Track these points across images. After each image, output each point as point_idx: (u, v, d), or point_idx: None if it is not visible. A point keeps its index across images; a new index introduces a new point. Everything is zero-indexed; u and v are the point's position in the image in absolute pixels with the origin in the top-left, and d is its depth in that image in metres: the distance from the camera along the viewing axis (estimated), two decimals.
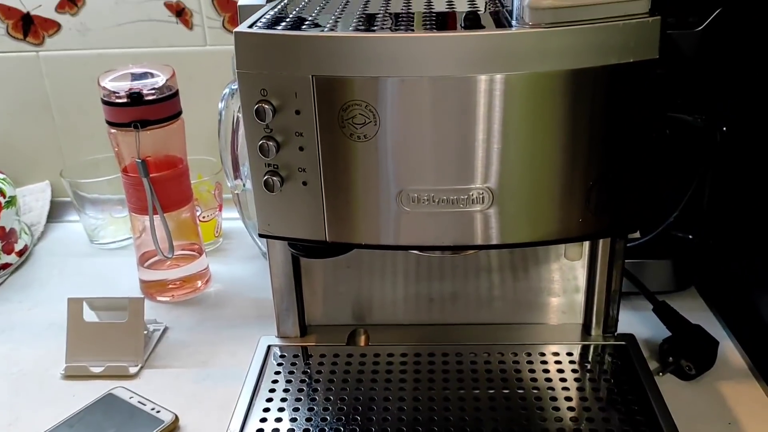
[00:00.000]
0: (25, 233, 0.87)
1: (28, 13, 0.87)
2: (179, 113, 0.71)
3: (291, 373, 0.55)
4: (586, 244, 0.52)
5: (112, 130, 0.70)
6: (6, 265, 0.82)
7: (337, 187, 0.41)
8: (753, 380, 0.60)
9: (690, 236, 0.67)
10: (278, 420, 0.50)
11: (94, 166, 0.90)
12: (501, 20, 0.39)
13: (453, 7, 0.47)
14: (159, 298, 0.76)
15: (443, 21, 0.40)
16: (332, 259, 0.58)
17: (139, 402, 0.59)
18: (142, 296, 0.67)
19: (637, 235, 0.73)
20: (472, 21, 0.38)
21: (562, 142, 0.39)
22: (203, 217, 0.84)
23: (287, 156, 0.41)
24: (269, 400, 0.52)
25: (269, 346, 0.58)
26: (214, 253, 0.86)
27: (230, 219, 0.89)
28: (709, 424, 0.55)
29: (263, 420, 0.50)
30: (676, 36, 0.59)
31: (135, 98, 0.67)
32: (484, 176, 0.39)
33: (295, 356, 0.57)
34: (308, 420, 0.50)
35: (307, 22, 0.42)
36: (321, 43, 0.38)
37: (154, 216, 0.71)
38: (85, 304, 0.67)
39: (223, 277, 0.80)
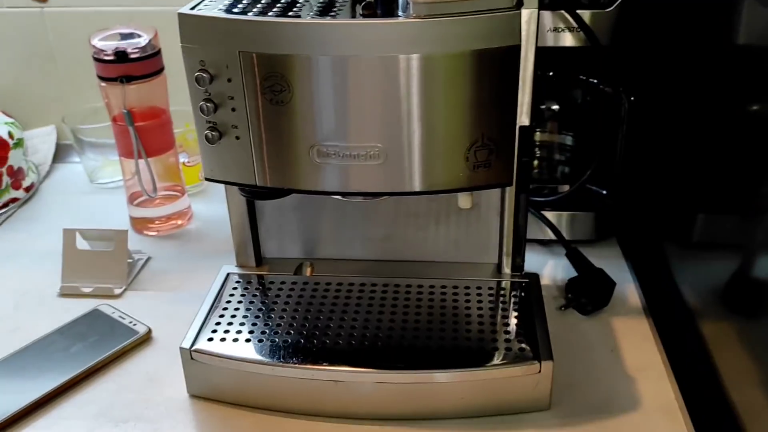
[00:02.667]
0: (32, 172, 0.98)
1: None
2: (161, 69, 0.80)
3: (243, 295, 0.65)
4: (480, 193, 0.62)
5: (102, 84, 0.80)
6: (14, 200, 0.93)
7: (263, 141, 0.50)
8: (643, 317, 0.70)
9: (604, 191, 0.75)
10: (226, 332, 0.61)
11: (94, 113, 1.00)
12: (393, 9, 0.48)
13: None
14: (146, 233, 0.87)
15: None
16: (280, 201, 0.67)
17: (119, 317, 0.70)
18: (126, 229, 0.78)
19: (566, 188, 0.82)
20: (367, 9, 0.47)
21: (441, 111, 0.48)
22: (189, 162, 0.94)
23: (222, 115, 0.50)
24: (221, 315, 0.63)
25: (228, 273, 0.69)
26: (198, 195, 0.96)
27: None
28: (595, 351, 0.65)
29: (214, 331, 0.61)
30: (588, 15, 0.67)
31: (120, 56, 0.76)
32: (378, 137, 0.49)
33: (249, 282, 0.67)
34: (253, 332, 0.60)
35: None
36: (244, 25, 0.47)
37: (140, 160, 0.81)
38: (77, 234, 0.77)
39: (204, 215, 0.91)
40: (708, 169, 0.67)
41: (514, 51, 0.47)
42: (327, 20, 0.46)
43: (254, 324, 0.62)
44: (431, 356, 0.58)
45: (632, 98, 0.71)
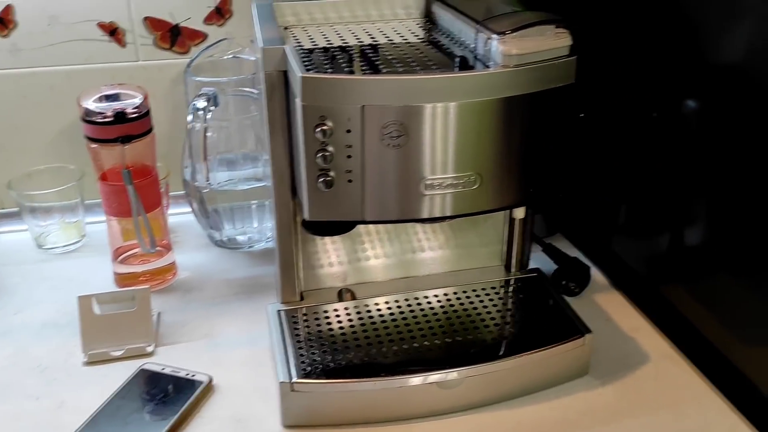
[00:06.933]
0: None
1: None
2: (152, 128, 0.82)
3: (307, 328, 0.71)
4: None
5: (93, 145, 0.79)
6: None
7: (376, 181, 0.57)
8: (614, 291, 0.86)
9: (561, 195, 0.91)
10: (313, 362, 0.66)
11: (29, 178, 0.96)
12: (478, 62, 0.58)
13: (404, 41, 0.65)
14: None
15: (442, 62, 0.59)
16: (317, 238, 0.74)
17: (172, 371, 0.71)
18: (148, 287, 0.78)
19: None
20: (464, 64, 0.56)
21: (523, 141, 0.59)
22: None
23: (338, 162, 0.57)
24: (300, 348, 0.68)
25: (279, 311, 0.73)
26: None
27: (174, 214, 1.00)
28: (594, 323, 0.79)
29: (303, 363, 0.66)
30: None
31: (119, 117, 0.77)
32: (476, 165, 0.58)
33: (304, 315, 0.72)
34: (337, 358, 0.66)
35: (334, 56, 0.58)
36: (368, 83, 0.54)
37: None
38: (93, 299, 0.76)
39: (186, 266, 0.92)
40: (635, 171, 0.85)
41: (571, 88, 0.60)
42: (438, 75, 0.55)
43: (333, 351, 0.67)
44: (495, 347, 0.68)
45: (582, 114, 0.87)
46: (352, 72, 0.58)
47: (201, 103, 0.81)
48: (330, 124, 0.55)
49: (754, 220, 0.65)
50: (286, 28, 0.70)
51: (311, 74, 0.55)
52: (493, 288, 0.77)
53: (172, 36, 0.97)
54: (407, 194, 0.58)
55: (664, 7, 0.74)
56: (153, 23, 0.95)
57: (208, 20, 0.97)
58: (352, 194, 0.58)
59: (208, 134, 0.83)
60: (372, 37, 0.67)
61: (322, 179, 0.57)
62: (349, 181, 0.58)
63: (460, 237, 0.80)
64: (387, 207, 0.59)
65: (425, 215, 0.59)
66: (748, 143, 0.65)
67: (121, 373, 0.72)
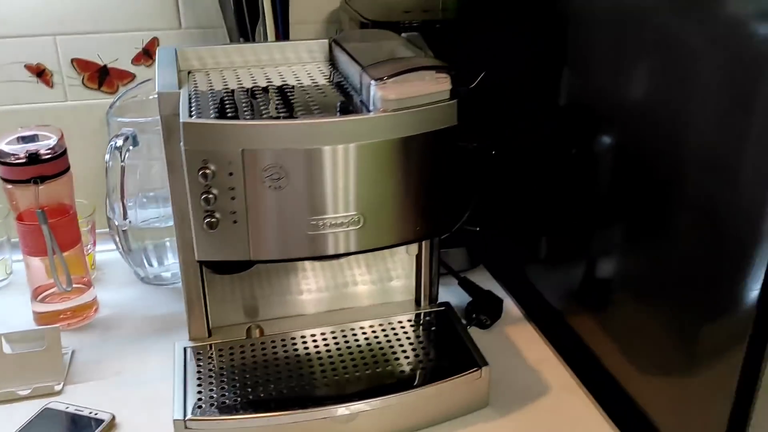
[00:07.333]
0: None
1: None
2: (68, 168, 0.83)
3: (210, 364, 0.72)
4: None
5: (8, 186, 0.80)
6: None
7: (261, 221, 0.59)
8: (526, 323, 0.88)
9: (477, 228, 0.93)
10: (211, 397, 0.67)
11: None
12: (363, 106, 0.61)
13: (302, 84, 0.68)
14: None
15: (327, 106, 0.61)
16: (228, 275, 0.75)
17: (76, 410, 0.72)
18: (58, 326, 0.78)
19: None
20: (344, 108, 0.59)
21: (406, 182, 0.61)
22: None
23: (222, 204, 0.58)
24: (199, 385, 0.69)
25: (185, 348, 0.74)
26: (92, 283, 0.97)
27: (102, 252, 1.01)
28: (502, 355, 0.81)
29: (199, 399, 0.67)
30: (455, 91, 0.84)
31: (33, 158, 0.78)
32: (359, 206, 0.60)
33: (209, 352, 0.74)
34: (235, 394, 0.67)
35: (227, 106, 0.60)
36: (247, 128, 0.56)
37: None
38: (3, 338, 0.76)
39: (109, 303, 0.92)
40: (549, 206, 0.87)
41: (454, 129, 0.62)
42: (319, 119, 0.58)
43: (233, 387, 0.68)
44: (395, 383, 0.70)
45: (493, 152, 0.90)
46: (234, 117, 0.60)
47: (119, 143, 0.83)
48: (212, 167, 0.57)
49: (655, 252, 0.67)
50: (189, 73, 0.72)
51: (192, 120, 0.57)
52: (400, 322, 0.79)
53: (101, 76, 0.99)
54: (292, 234, 0.60)
55: (583, 47, 0.76)
56: (81, 64, 0.97)
57: (136, 61, 0.99)
58: (238, 234, 0.60)
59: (137, 172, 0.85)
60: (269, 81, 0.70)
61: (207, 220, 0.59)
62: (234, 222, 0.59)
63: (373, 272, 0.81)
64: (273, 246, 0.61)
65: (311, 254, 0.61)
66: (652, 182, 0.67)
67: (27, 411, 0.72)
